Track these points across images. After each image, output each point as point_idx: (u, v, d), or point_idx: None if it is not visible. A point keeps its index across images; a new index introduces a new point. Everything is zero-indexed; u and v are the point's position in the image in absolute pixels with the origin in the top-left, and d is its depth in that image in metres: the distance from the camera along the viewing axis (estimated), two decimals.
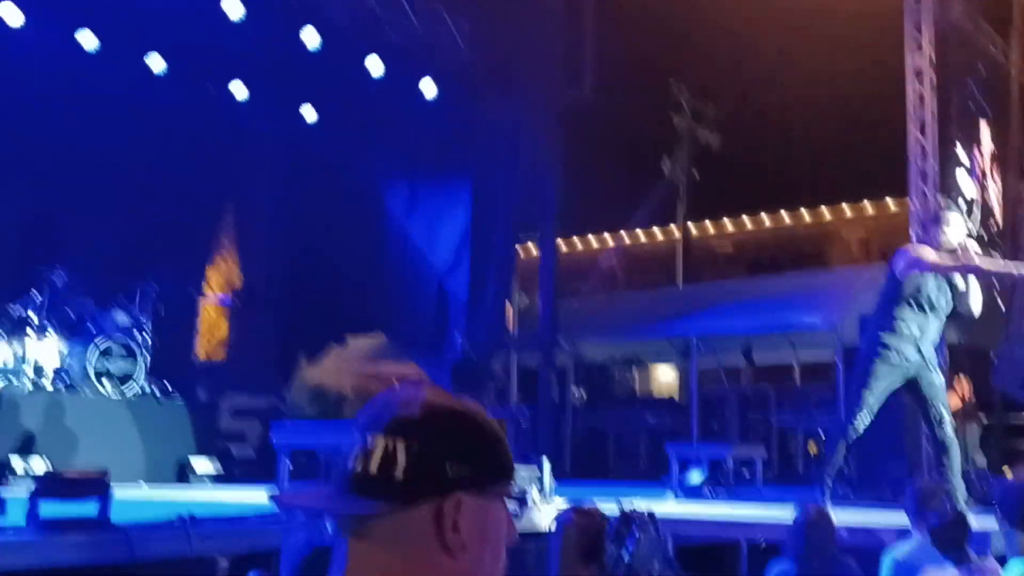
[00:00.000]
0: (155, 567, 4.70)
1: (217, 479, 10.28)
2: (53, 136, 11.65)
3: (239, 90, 13.33)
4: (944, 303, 6.65)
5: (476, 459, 1.11)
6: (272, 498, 1.29)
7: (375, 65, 12.93)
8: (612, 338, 15.74)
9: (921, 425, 10.63)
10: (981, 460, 11.06)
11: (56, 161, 11.77)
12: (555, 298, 14.37)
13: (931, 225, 7.03)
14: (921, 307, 6.57)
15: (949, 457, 6.54)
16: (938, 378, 6.78)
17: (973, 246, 6.87)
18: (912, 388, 6.86)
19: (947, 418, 6.68)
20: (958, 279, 6.66)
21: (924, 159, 12.38)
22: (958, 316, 7.13)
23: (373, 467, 1.09)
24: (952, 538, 4.32)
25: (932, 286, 6.59)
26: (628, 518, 3.89)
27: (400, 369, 15.81)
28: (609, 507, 4.09)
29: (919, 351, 6.60)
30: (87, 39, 11.61)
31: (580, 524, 3.85)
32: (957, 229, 6.75)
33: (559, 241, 15.83)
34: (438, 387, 1.18)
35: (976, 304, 6.80)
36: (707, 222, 23.08)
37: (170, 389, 11.00)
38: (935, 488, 5.25)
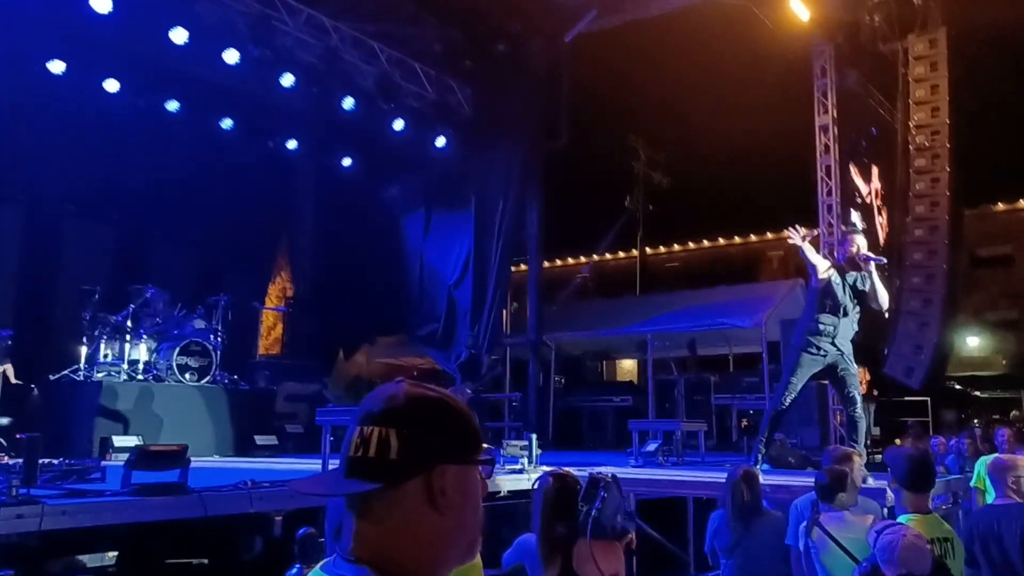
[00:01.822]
0: (224, 523, 4.67)
1: (274, 451, 10.20)
2: (144, 181, 11.66)
3: (291, 143, 13.34)
4: (851, 306, 6.66)
5: (452, 435, 1.11)
6: (289, 486, 1.26)
7: (398, 122, 12.95)
8: (585, 336, 15.68)
9: (829, 404, 10.71)
10: (874, 431, 11.04)
11: (146, 202, 11.76)
12: (540, 305, 14.34)
13: (839, 245, 7.07)
14: (834, 311, 6.60)
15: (858, 431, 6.53)
16: (852, 367, 6.75)
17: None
18: (831, 375, 6.88)
19: (858, 399, 6.65)
20: (866, 282, 6.66)
21: (829, 196, 12.41)
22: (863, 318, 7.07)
23: (372, 452, 1.08)
24: (828, 490, 4.35)
25: (839, 293, 6.61)
26: (596, 481, 3.84)
27: (417, 361, 15.80)
28: (580, 472, 4.08)
29: (835, 345, 6.62)
30: (172, 105, 11.61)
31: (556, 486, 3.79)
32: (861, 245, 6.82)
33: (544, 260, 15.80)
34: (416, 380, 1.16)
35: (883, 299, 6.81)
36: (660, 245, 23.08)
37: (237, 379, 10.94)
38: (847, 453, 5.20)
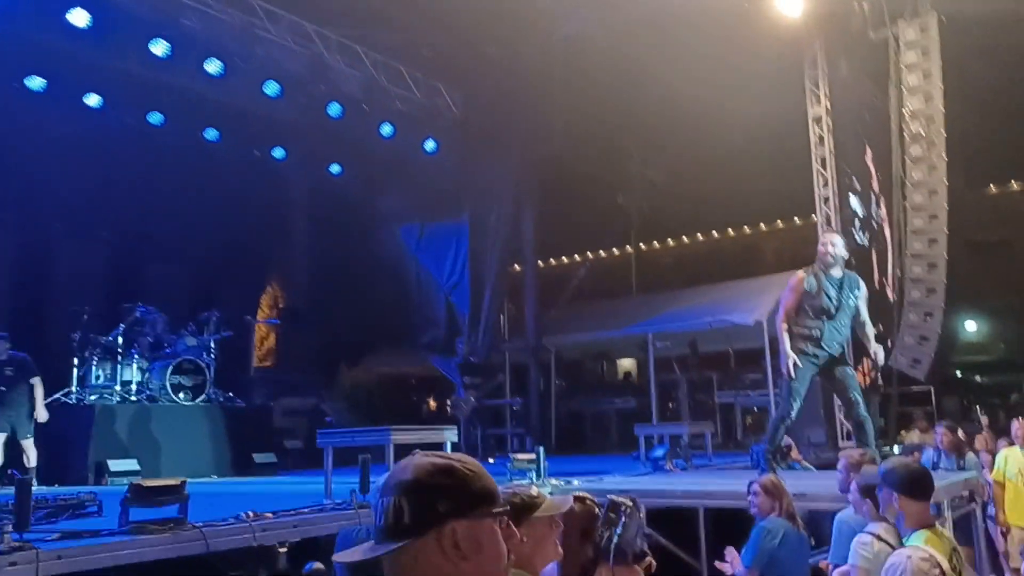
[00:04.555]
0: (227, 557, 4.49)
1: (273, 469, 9.99)
2: (131, 197, 11.45)
3: (279, 152, 13.13)
4: (835, 311, 6.42)
5: (458, 495, 1.24)
6: (333, 559, 1.53)
7: (385, 127, 12.73)
8: (585, 338, 15.47)
9: (835, 400, 10.57)
10: (879, 424, 10.92)
11: (134, 218, 11.55)
12: (538, 309, 14.20)
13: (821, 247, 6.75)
14: (817, 314, 6.42)
15: (865, 432, 6.36)
16: (849, 370, 6.57)
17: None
18: (828, 378, 6.71)
19: (860, 400, 6.45)
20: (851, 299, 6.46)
21: (825, 186, 12.31)
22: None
23: (391, 519, 1.24)
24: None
25: (817, 302, 6.42)
26: (616, 505, 3.68)
27: (416, 370, 15.58)
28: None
29: (823, 348, 6.43)
30: (155, 118, 11.40)
31: (578, 510, 3.63)
32: (835, 245, 6.51)
33: (539, 261, 15.66)
34: (428, 451, 1.32)
35: (869, 331, 6.64)
36: (654, 242, 22.92)
37: (232, 396, 10.73)
38: (861, 457, 5.03)
